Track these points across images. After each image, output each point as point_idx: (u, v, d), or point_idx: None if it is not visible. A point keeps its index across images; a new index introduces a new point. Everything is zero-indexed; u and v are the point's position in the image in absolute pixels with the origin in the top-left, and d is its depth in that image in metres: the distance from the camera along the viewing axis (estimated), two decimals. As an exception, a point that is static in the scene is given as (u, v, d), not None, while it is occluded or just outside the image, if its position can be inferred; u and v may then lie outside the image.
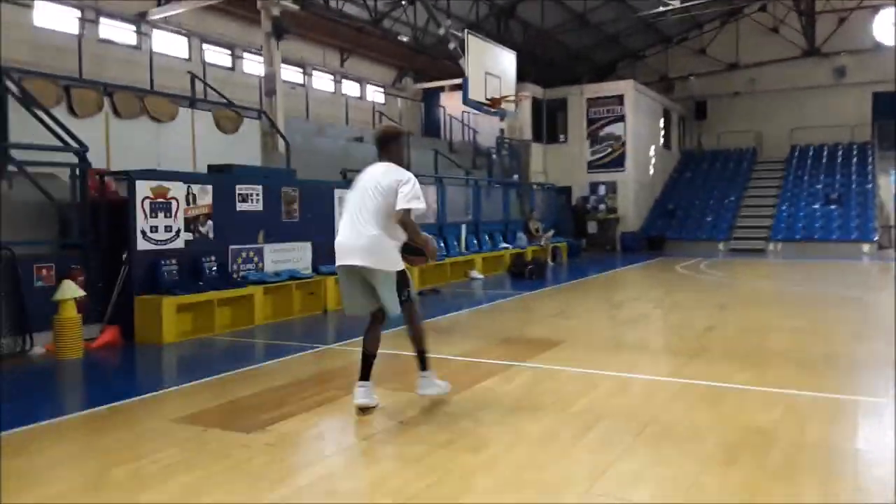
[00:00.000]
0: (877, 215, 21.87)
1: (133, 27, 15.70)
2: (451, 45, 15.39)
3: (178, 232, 8.03)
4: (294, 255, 9.68)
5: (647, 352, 7.40)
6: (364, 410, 4.64)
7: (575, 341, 7.47)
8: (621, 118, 23.06)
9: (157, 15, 15.66)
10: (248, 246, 8.99)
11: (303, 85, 19.53)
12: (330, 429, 4.56)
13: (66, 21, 14.48)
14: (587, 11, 22.60)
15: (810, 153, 25.55)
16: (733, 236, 22.80)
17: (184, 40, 16.90)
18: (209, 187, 8.46)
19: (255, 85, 16.57)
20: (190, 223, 8.17)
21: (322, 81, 21.09)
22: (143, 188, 7.64)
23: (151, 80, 12.70)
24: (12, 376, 6.21)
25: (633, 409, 4.92)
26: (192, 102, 11.48)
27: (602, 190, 23.32)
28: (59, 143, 7.83)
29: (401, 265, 4.69)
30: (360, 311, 4.73)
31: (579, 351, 7.01)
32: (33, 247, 7.26)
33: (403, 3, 18.38)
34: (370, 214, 4.55)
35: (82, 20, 14.37)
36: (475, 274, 14.23)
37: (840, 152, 25.02)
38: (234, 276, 8.68)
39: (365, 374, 4.67)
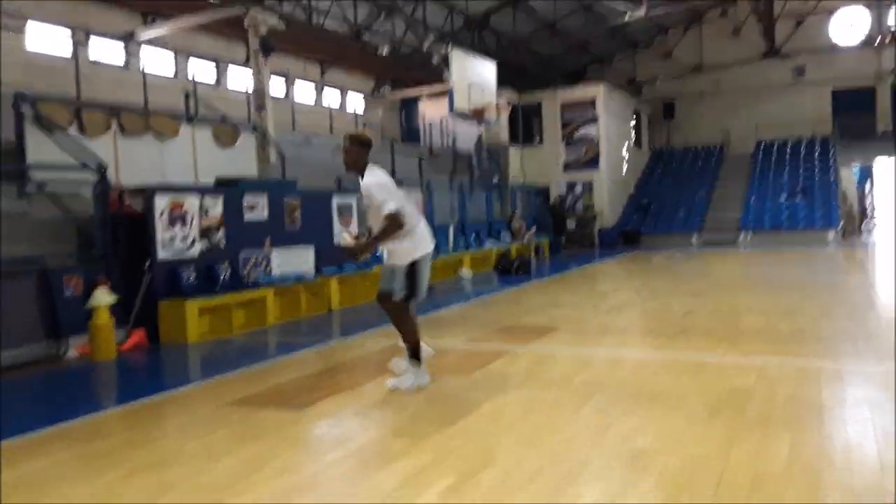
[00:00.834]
0: (839, 205, 22.99)
1: (122, 44, 16.14)
2: (435, 60, 16.05)
3: (193, 241, 8.58)
4: (299, 260, 10.24)
5: (633, 334, 8.12)
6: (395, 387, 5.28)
7: (567, 327, 8.16)
8: (594, 120, 23.93)
9: (144, 35, 16.12)
10: (256, 252, 9.54)
11: (286, 97, 20.06)
12: (367, 405, 5.15)
13: (57, 44, 14.92)
14: (557, 20, 23.45)
15: (775, 148, 26.68)
16: (705, 228, 23.76)
17: (170, 58, 17.37)
18: (220, 199, 9.02)
19: (240, 99, 17.08)
20: (204, 233, 8.72)
21: (304, 93, 21.64)
22: (162, 201, 8.19)
23: (146, 98, 13.15)
24: (59, 377, 6.73)
25: (625, 380, 5.60)
26: (190, 119, 11.99)
27: (579, 189, 24.16)
28: (77, 163, 8.32)
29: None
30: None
31: (572, 335, 7.70)
32: (60, 259, 7.77)
33: (382, 16, 19.01)
34: None
35: (74, 41, 14.78)
36: (465, 272, 14.89)
37: (803, 147, 26.18)
38: (245, 280, 9.23)
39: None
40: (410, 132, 24.11)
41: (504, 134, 23.59)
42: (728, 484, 3.33)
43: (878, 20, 25.16)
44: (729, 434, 4.11)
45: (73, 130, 9.27)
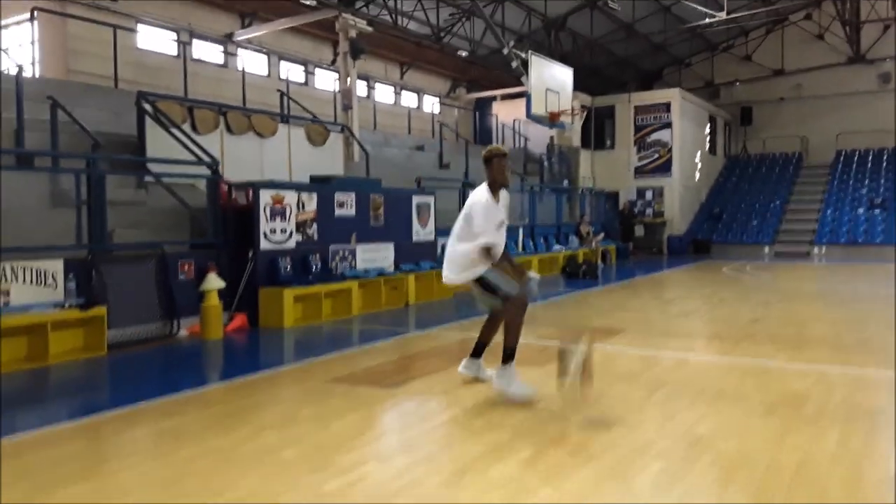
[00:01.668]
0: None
1: (221, 47, 17.32)
2: (514, 64, 16.59)
3: (290, 234, 9.41)
4: (380, 255, 10.99)
5: (699, 338, 8.50)
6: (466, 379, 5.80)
7: (634, 329, 8.60)
8: (668, 125, 23.98)
9: (241, 36, 17.26)
10: (343, 246, 10.32)
11: (368, 97, 20.98)
12: (452, 386, 5.75)
13: (164, 43, 16.17)
14: (635, 21, 23.59)
15: (856, 158, 26.06)
16: (778, 240, 23.49)
17: (264, 59, 18.50)
18: (314, 195, 9.83)
19: (325, 98, 18.06)
20: (300, 226, 9.54)
21: (383, 93, 22.53)
22: (265, 196, 9.03)
23: (244, 97, 14.20)
24: (178, 352, 7.62)
25: (689, 379, 6.05)
26: (285, 118, 12.91)
27: (649, 194, 24.25)
28: (193, 158, 9.26)
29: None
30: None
31: (639, 337, 8.14)
32: (175, 245, 8.70)
33: (462, 19, 19.66)
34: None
35: (179, 42, 16.00)
36: (533, 274, 15.34)
37: (885, 157, 25.50)
38: (334, 272, 10.02)
39: (475, 352, 5.77)
40: (483, 133, 24.71)
41: (576, 137, 23.91)
42: (776, 467, 3.79)
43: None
44: (782, 428, 4.53)
45: (185, 127, 10.19)
